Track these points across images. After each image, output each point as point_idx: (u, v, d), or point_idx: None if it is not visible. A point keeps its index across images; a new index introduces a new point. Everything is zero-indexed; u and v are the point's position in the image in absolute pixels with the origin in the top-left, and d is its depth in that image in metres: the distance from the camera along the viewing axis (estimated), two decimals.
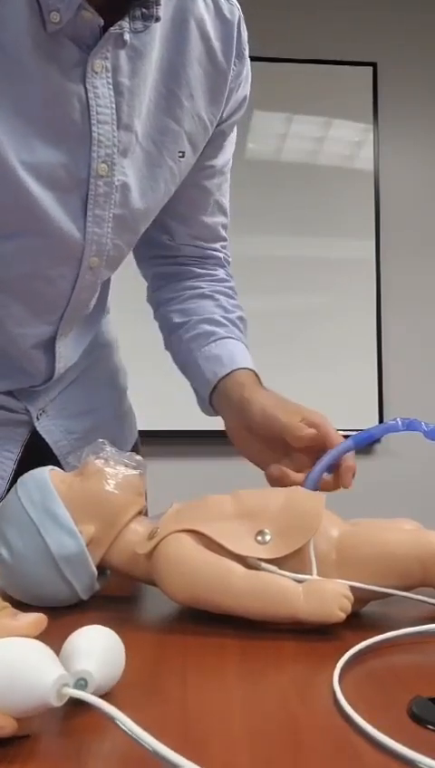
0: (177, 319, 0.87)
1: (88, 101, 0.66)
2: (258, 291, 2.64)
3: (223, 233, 0.93)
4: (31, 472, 0.60)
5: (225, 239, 0.94)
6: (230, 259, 0.95)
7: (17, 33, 0.61)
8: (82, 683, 0.36)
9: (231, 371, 0.79)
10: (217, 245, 0.93)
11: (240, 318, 0.88)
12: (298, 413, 0.72)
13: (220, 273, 0.93)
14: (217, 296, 0.89)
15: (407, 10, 2.83)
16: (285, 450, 0.72)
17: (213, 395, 0.80)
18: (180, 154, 0.77)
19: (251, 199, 2.62)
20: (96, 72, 0.66)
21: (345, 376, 2.64)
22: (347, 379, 2.64)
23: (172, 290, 0.90)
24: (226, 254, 0.95)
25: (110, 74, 0.67)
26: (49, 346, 0.79)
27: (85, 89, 0.66)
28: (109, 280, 0.88)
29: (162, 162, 0.75)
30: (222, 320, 0.85)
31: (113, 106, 0.68)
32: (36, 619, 0.38)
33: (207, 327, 0.84)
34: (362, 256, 2.70)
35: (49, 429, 0.85)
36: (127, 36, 0.66)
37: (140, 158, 0.73)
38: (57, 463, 0.84)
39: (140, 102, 0.71)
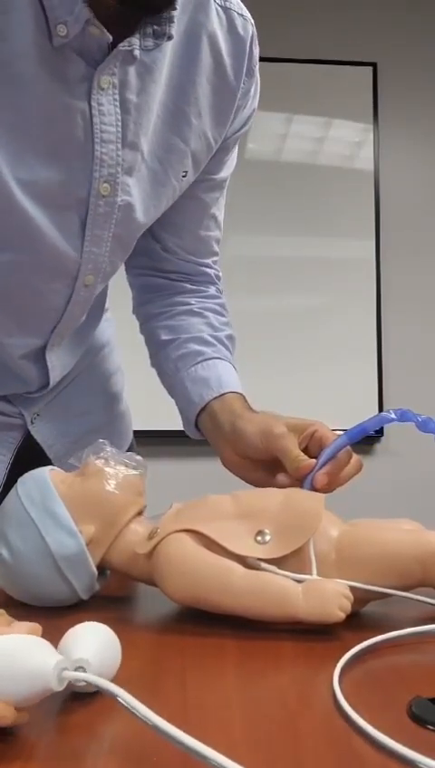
0: (164, 336, 0.85)
1: (92, 119, 0.64)
2: (258, 291, 2.65)
3: (216, 247, 0.89)
4: (31, 472, 0.60)
5: (217, 254, 0.90)
6: (220, 275, 0.92)
7: (21, 44, 0.58)
8: (80, 670, 0.36)
9: (219, 395, 0.77)
10: (209, 261, 0.90)
11: (229, 336, 0.87)
12: (295, 429, 0.69)
13: (211, 289, 0.90)
14: (207, 313, 0.86)
15: (407, 10, 2.83)
16: (283, 467, 0.69)
17: (199, 418, 0.78)
18: (184, 174, 0.75)
19: (251, 199, 2.62)
20: (102, 89, 0.63)
21: (345, 376, 2.64)
22: (347, 379, 2.64)
23: (161, 305, 0.88)
24: (216, 270, 0.91)
25: (117, 91, 0.64)
26: (39, 357, 0.78)
27: (90, 106, 0.63)
28: (106, 288, 0.87)
29: (167, 182, 0.73)
30: (210, 339, 0.83)
31: (119, 124, 0.65)
32: (31, 628, 0.38)
33: (195, 347, 0.82)
34: (362, 256, 2.70)
35: (43, 433, 0.85)
36: (137, 53, 0.63)
37: (145, 178, 0.71)
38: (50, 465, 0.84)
39: (147, 120, 0.68)
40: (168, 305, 0.87)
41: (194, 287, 0.88)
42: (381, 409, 2.64)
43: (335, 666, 0.43)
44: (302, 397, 2.60)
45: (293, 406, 2.92)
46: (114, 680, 0.39)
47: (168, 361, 0.83)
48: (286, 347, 2.62)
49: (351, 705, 0.38)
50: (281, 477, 0.68)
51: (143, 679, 0.43)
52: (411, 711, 0.38)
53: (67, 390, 0.88)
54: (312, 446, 0.69)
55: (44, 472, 0.59)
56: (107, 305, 0.96)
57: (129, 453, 0.62)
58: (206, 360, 0.81)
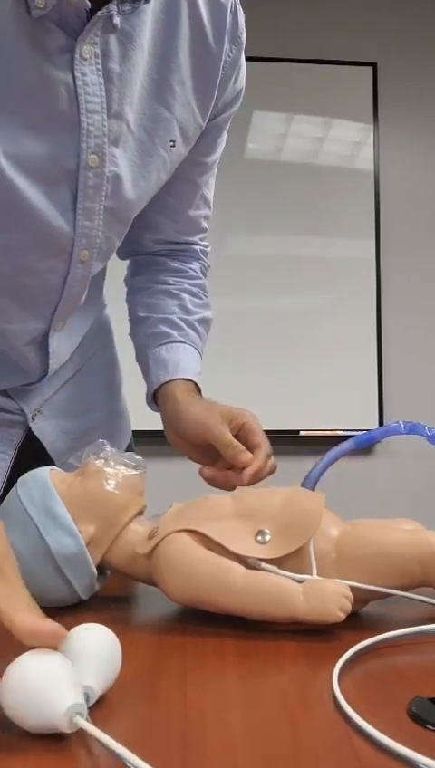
0: (140, 313, 0.90)
1: (76, 90, 0.63)
2: (258, 291, 2.65)
3: (205, 224, 0.93)
4: (31, 472, 0.60)
5: (205, 230, 0.94)
6: (208, 250, 0.95)
7: (0, 18, 0.58)
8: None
9: (172, 380, 0.82)
10: (197, 238, 0.93)
11: (201, 320, 0.90)
12: (227, 418, 0.76)
13: (194, 267, 0.93)
14: (183, 295, 0.90)
15: (407, 10, 2.83)
16: (218, 454, 0.75)
17: (156, 396, 0.84)
18: (171, 143, 0.75)
19: (251, 199, 2.62)
20: (85, 59, 0.63)
21: (345, 375, 2.64)
22: (347, 379, 2.64)
23: (144, 279, 0.92)
24: (204, 246, 0.95)
25: (99, 60, 0.64)
26: (42, 342, 0.78)
27: (73, 76, 0.63)
28: (103, 272, 0.88)
29: (154, 151, 0.73)
30: (180, 322, 0.87)
31: (103, 94, 0.65)
32: (57, 631, 0.38)
33: (164, 328, 0.86)
34: (362, 256, 2.70)
35: (44, 430, 0.85)
36: (116, 20, 0.64)
37: (132, 148, 0.71)
38: (52, 464, 0.84)
39: (131, 89, 0.68)
40: (150, 281, 0.91)
41: (177, 265, 0.92)
42: (380, 409, 2.64)
43: (335, 665, 0.43)
44: (302, 396, 2.60)
45: (293, 405, 2.92)
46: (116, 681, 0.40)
47: (139, 337, 0.89)
48: (286, 347, 2.62)
49: (351, 704, 0.38)
50: (205, 470, 0.75)
51: (143, 679, 0.43)
52: (411, 711, 0.38)
53: (68, 387, 0.88)
54: (240, 436, 0.75)
55: (44, 472, 0.59)
56: (106, 302, 0.96)
57: (129, 453, 0.62)
58: (171, 342, 0.86)
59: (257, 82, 2.85)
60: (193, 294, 0.91)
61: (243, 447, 0.73)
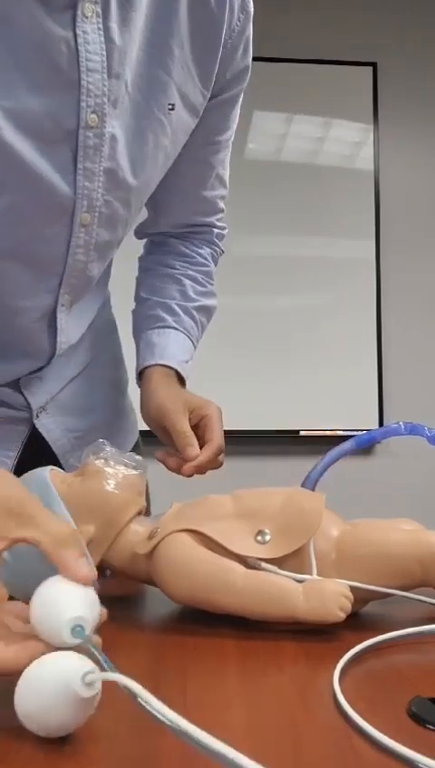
0: (143, 293, 0.92)
1: (77, 48, 0.63)
2: (258, 291, 2.65)
3: (221, 204, 0.94)
4: (31, 472, 0.59)
5: (222, 210, 0.95)
6: (225, 233, 0.97)
7: None
8: (79, 629, 0.36)
9: (154, 364, 0.84)
10: (214, 219, 0.94)
11: (200, 308, 0.91)
12: (189, 407, 0.79)
13: (204, 252, 0.94)
14: (185, 281, 0.91)
15: (407, 10, 2.83)
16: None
17: (141, 376, 0.87)
18: (170, 106, 0.74)
19: (251, 199, 2.62)
20: (86, 17, 0.63)
21: (345, 375, 2.64)
22: (347, 379, 2.64)
23: (153, 260, 0.94)
24: (220, 228, 0.96)
25: (100, 19, 0.64)
26: (51, 319, 0.78)
27: (75, 34, 0.62)
28: (110, 263, 0.87)
29: (149, 113, 0.73)
30: (176, 307, 0.89)
31: (104, 53, 0.65)
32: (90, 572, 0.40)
33: (160, 312, 0.89)
34: (362, 256, 2.70)
35: (49, 427, 0.85)
36: None
37: (127, 110, 0.71)
38: (57, 461, 0.84)
39: (130, 50, 0.68)
40: (157, 263, 0.93)
41: (186, 250, 0.93)
42: (380, 409, 2.64)
43: (335, 665, 0.43)
44: (302, 396, 2.60)
45: (293, 405, 2.92)
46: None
47: (137, 317, 0.92)
48: (286, 347, 2.62)
49: (351, 704, 0.38)
50: (158, 452, 0.77)
51: (144, 679, 0.43)
52: (411, 711, 0.38)
53: (73, 384, 0.88)
54: (198, 428, 0.78)
55: (44, 472, 0.59)
56: (111, 304, 0.96)
57: (129, 453, 0.62)
58: (164, 327, 0.88)
59: (257, 82, 2.83)
60: (196, 281, 0.92)
61: (193, 440, 0.75)
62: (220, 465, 0.77)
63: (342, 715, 0.37)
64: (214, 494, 0.58)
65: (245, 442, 2.56)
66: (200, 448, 0.76)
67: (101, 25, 0.64)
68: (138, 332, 0.90)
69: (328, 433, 2.55)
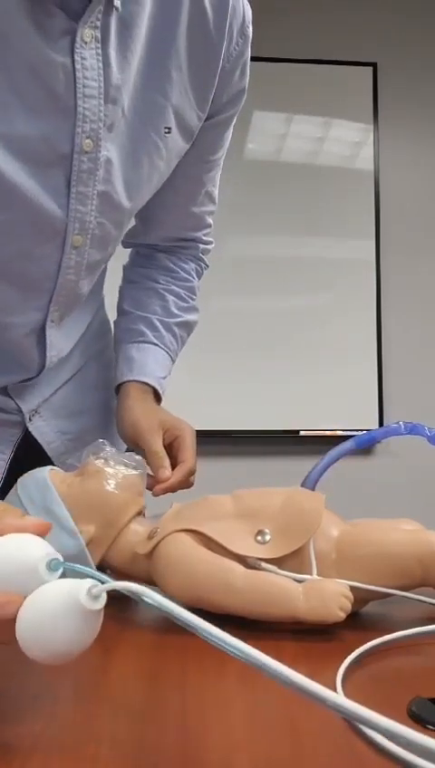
0: (125, 306, 0.92)
1: (75, 74, 0.63)
2: (258, 291, 2.65)
3: (209, 220, 0.94)
4: (31, 472, 0.60)
5: (209, 225, 0.95)
6: (210, 248, 0.97)
7: None
8: (54, 562, 0.35)
9: (130, 380, 0.85)
10: (200, 234, 0.94)
11: (181, 323, 0.92)
12: (163, 426, 0.80)
13: (187, 268, 0.95)
14: (168, 297, 0.92)
15: (407, 10, 2.83)
16: None
17: (119, 390, 0.87)
18: (166, 129, 0.74)
19: (251, 199, 2.62)
20: (85, 43, 0.63)
21: (345, 376, 2.64)
22: (347, 379, 2.64)
23: (137, 273, 0.94)
24: (206, 243, 0.96)
25: (99, 45, 0.64)
26: (40, 334, 0.78)
27: (73, 60, 0.63)
28: (103, 272, 0.87)
29: (146, 137, 0.73)
30: (158, 323, 0.90)
31: (101, 79, 0.65)
32: (39, 524, 0.38)
33: (141, 327, 0.89)
34: (362, 256, 2.70)
35: (42, 430, 0.85)
36: (117, 2, 0.63)
37: (123, 133, 0.71)
38: (49, 464, 0.84)
39: (128, 75, 0.68)
40: (141, 276, 0.94)
41: (171, 264, 0.94)
42: (380, 409, 2.64)
43: (336, 666, 0.43)
44: (302, 396, 2.60)
45: (293, 405, 2.91)
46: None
47: (118, 329, 0.92)
48: (286, 347, 2.62)
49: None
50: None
51: (143, 680, 0.43)
52: (412, 711, 0.38)
53: (66, 387, 0.88)
54: (172, 448, 0.79)
55: (44, 472, 0.59)
56: (106, 309, 0.96)
57: (128, 453, 0.62)
58: (143, 342, 0.89)
59: (257, 82, 2.83)
60: (179, 297, 0.92)
61: (166, 462, 0.77)
62: (191, 485, 0.79)
63: (341, 717, 0.37)
64: (214, 494, 0.58)
65: (245, 442, 2.56)
66: (173, 468, 0.77)
67: (99, 51, 0.64)
68: (118, 344, 0.90)
69: (328, 433, 2.55)
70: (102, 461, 0.59)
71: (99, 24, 0.63)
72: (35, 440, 0.84)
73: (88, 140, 0.67)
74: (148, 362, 0.87)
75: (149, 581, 0.56)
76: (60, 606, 0.33)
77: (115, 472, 0.59)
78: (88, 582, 0.33)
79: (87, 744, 0.35)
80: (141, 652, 0.48)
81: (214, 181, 0.90)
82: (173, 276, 0.93)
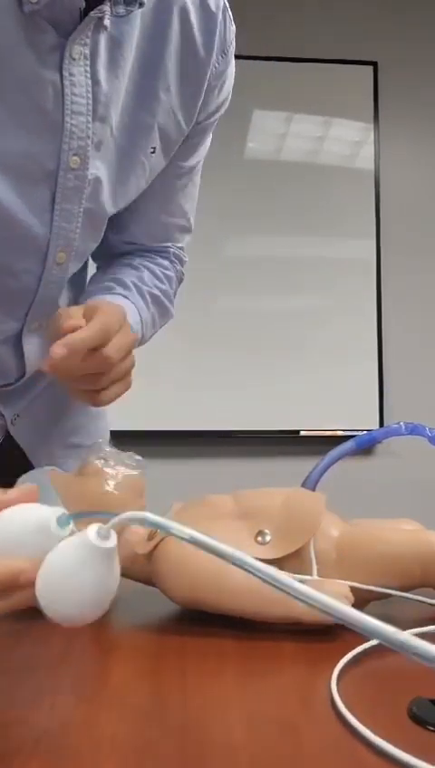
0: (95, 276, 0.86)
1: (63, 90, 0.62)
2: (258, 291, 2.65)
3: (177, 235, 0.89)
4: (31, 472, 0.59)
5: (178, 240, 0.90)
6: (185, 259, 0.92)
7: None
8: (63, 517, 0.36)
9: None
10: (169, 244, 0.89)
11: (153, 295, 0.84)
12: (85, 307, 0.68)
13: (164, 262, 0.89)
14: (143, 269, 0.85)
15: (407, 10, 2.83)
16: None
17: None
18: (152, 149, 0.74)
19: (251, 199, 2.62)
20: (74, 59, 0.62)
21: (346, 376, 2.64)
22: (347, 379, 2.64)
23: (110, 262, 0.88)
24: (178, 251, 0.90)
25: (88, 62, 0.63)
26: (17, 343, 0.77)
27: (61, 76, 0.62)
28: (84, 276, 0.86)
29: (134, 157, 0.73)
30: (130, 284, 0.82)
31: (90, 96, 0.64)
32: (27, 489, 0.38)
33: (113, 284, 0.82)
34: (362, 256, 2.70)
35: (23, 434, 0.84)
36: (107, 21, 0.63)
37: (112, 152, 0.70)
38: (30, 468, 0.83)
39: (117, 94, 0.68)
40: (115, 261, 0.87)
41: (146, 254, 0.88)
42: (381, 409, 2.64)
43: (335, 666, 0.43)
44: (302, 397, 2.60)
45: (293, 405, 2.91)
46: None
47: (87, 292, 0.84)
48: (286, 347, 2.62)
49: (350, 705, 0.38)
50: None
51: (143, 680, 0.43)
52: (412, 712, 0.38)
53: (47, 390, 0.88)
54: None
55: (44, 472, 0.59)
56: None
57: (128, 453, 0.62)
58: (114, 294, 0.80)
59: (257, 82, 2.86)
60: (154, 274, 0.86)
61: (69, 314, 0.66)
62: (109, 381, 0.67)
63: (339, 718, 0.37)
64: (214, 494, 0.58)
65: (245, 442, 2.56)
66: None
67: (88, 68, 0.64)
68: (85, 300, 0.81)
69: (328, 433, 2.55)
70: (102, 461, 0.59)
71: (88, 41, 0.63)
72: (16, 444, 0.84)
73: (75, 157, 0.66)
74: (117, 299, 0.78)
75: (149, 582, 0.56)
76: (74, 557, 0.33)
77: (115, 472, 0.58)
78: (94, 526, 0.34)
79: (87, 744, 0.35)
80: (141, 653, 0.48)
81: (185, 192, 0.86)
82: (149, 258, 0.88)
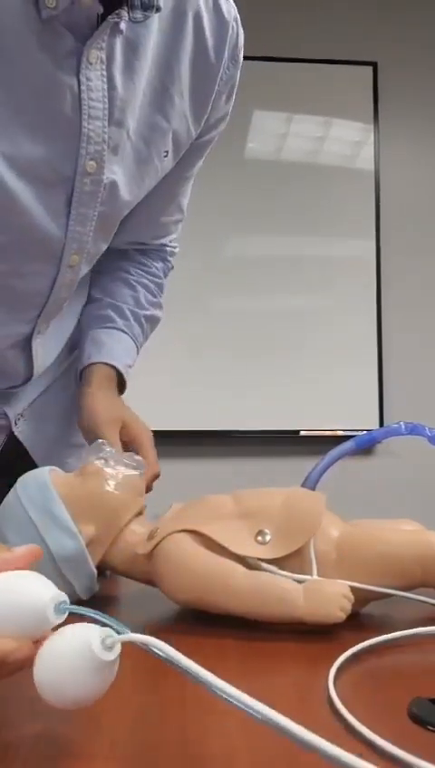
0: (95, 293, 0.90)
1: (80, 95, 0.63)
2: (258, 291, 2.64)
3: (174, 228, 0.93)
4: (31, 472, 0.60)
5: (174, 232, 0.94)
6: (176, 251, 0.96)
7: (9, 17, 0.57)
8: (63, 604, 0.36)
9: (97, 363, 0.82)
10: (166, 240, 0.94)
11: (149, 317, 0.91)
12: (118, 423, 0.77)
13: (157, 265, 0.94)
14: (139, 288, 0.90)
15: (407, 10, 2.83)
16: None
17: (83, 373, 0.84)
18: (165, 153, 0.75)
19: (251, 199, 2.62)
20: (91, 64, 0.62)
21: (345, 375, 2.64)
22: (347, 379, 2.64)
23: (108, 265, 0.91)
24: (172, 247, 0.95)
25: (104, 66, 0.64)
26: (26, 345, 0.78)
27: (78, 81, 0.62)
28: (88, 276, 0.87)
29: (149, 160, 0.74)
30: (128, 313, 0.88)
31: (106, 100, 0.65)
32: (28, 550, 0.38)
33: (111, 313, 0.87)
34: (362, 256, 2.70)
35: (27, 434, 0.84)
36: (123, 26, 0.63)
37: (130, 156, 0.71)
38: (34, 467, 0.83)
39: (133, 97, 0.68)
40: (112, 267, 0.91)
41: (142, 258, 0.93)
42: (381, 409, 2.64)
43: (332, 667, 0.43)
44: (302, 397, 2.60)
45: (293, 405, 2.91)
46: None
47: (86, 316, 0.89)
48: (286, 347, 2.62)
49: (350, 705, 0.38)
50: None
51: (143, 679, 0.43)
52: (411, 711, 0.38)
53: (51, 390, 0.88)
54: (127, 448, 0.75)
55: (45, 473, 0.59)
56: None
57: (128, 453, 0.62)
58: (113, 328, 0.86)
59: (257, 82, 2.86)
60: (149, 290, 0.91)
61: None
62: (151, 490, 0.73)
63: (337, 717, 0.37)
64: (214, 494, 0.58)
65: (245, 442, 2.55)
66: None
67: (105, 72, 0.64)
68: (84, 330, 0.87)
69: (328, 433, 2.55)
70: (102, 461, 0.59)
71: (104, 45, 0.63)
72: (20, 444, 0.84)
73: (91, 162, 0.66)
74: (116, 347, 0.84)
75: (150, 582, 0.56)
76: (75, 657, 0.33)
77: (115, 472, 0.59)
78: (101, 633, 0.33)
79: (87, 745, 0.35)
80: (141, 653, 0.48)
81: (185, 193, 0.89)
82: (144, 270, 0.92)
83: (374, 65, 2.77)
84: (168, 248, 0.94)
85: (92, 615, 0.35)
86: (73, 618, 0.35)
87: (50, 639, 0.34)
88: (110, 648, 0.33)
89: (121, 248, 0.91)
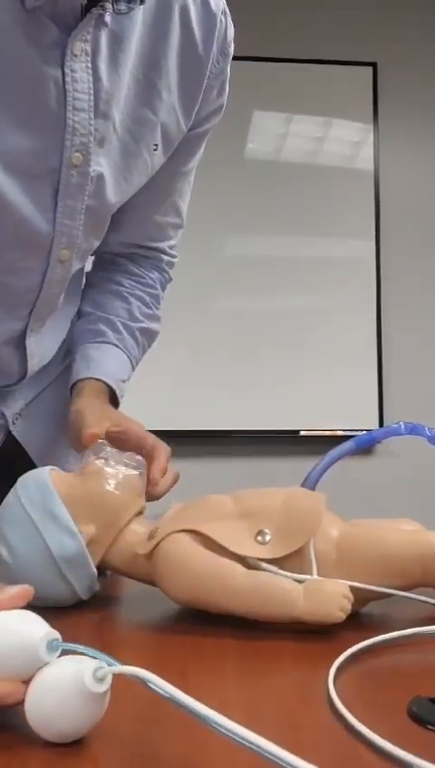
0: (86, 307, 0.88)
1: (64, 86, 0.63)
2: (258, 291, 2.65)
3: (172, 232, 0.90)
4: (31, 472, 0.60)
5: (173, 238, 0.91)
6: (175, 261, 0.93)
7: None
8: (54, 642, 0.36)
9: (87, 378, 0.79)
10: (164, 245, 0.91)
11: (143, 330, 0.88)
12: (109, 419, 0.70)
13: (152, 276, 0.91)
14: (132, 300, 0.88)
15: (407, 10, 2.83)
16: None
17: (73, 388, 0.81)
18: (154, 146, 0.75)
19: (251, 199, 2.62)
20: (75, 56, 0.62)
21: (345, 376, 2.64)
22: (347, 379, 2.64)
23: (100, 276, 0.90)
24: (171, 256, 0.92)
25: (89, 58, 0.63)
26: (19, 343, 0.77)
27: (63, 72, 0.62)
28: (81, 272, 0.87)
29: (137, 154, 0.73)
30: (120, 326, 0.85)
31: (91, 92, 0.64)
32: (21, 591, 0.39)
33: (103, 327, 0.85)
34: (362, 256, 2.70)
35: (25, 434, 0.84)
36: (108, 17, 0.63)
37: (116, 149, 0.71)
38: (33, 467, 0.83)
39: (118, 90, 0.68)
40: (104, 279, 0.90)
41: (135, 269, 0.90)
42: (380, 409, 2.64)
43: (332, 667, 0.43)
44: (302, 397, 2.60)
45: (293, 405, 2.92)
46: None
47: (77, 330, 0.87)
48: (286, 347, 2.62)
49: (349, 705, 0.38)
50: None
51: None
52: (411, 711, 0.38)
53: (49, 390, 0.88)
54: (130, 442, 0.68)
55: (45, 472, 0.59)
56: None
57: (128, 453, 0.62)
58: (104, 342, 0.84)
59: (257, 82, 2.86)
60: (143, 302, 0.89)
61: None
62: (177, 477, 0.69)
63: (337, 717, 0.37)
64: (214, 494, 0.58)
65: (245, 442, 2.56)
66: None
67: (89, 64, 0.64)
68: (75, 345, 0.85)
69: (328, 433, 2.55)
70: (102, 461, 0.59)
71: (89, 37, 0.63)
72: (18, 444, 0.84)
73: (77, 154, 0.66)
74: (107, 362, 0.82)
75: (150, 582, 0.56)
76: (66, 691, 0.33)
77: (115, 472, 0.59)
78: (93, 665, 0.34)
79: (87, 744, 0.35)
80: (141, 652, 0.48)
81: (181, 193, 0.87)
82: (138, 281, 0.90)
83: (374, 65, 2.77)
84: (165, 256, 0.91)
85: (84, 651, 0.35)
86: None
87: (40, 672, 0.35)
88: (101, 681, 0.34)
89: (118, 255, 0.89)
